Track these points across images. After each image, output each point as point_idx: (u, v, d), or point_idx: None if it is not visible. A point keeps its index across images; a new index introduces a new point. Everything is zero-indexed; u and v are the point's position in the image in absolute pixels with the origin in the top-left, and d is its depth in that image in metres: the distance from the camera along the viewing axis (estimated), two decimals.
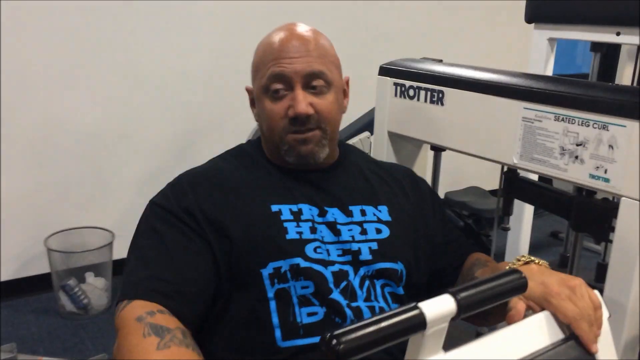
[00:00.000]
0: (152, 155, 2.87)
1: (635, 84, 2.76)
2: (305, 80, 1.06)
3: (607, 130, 1.00)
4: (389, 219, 1.11)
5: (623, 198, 1.00)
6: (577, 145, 1.05)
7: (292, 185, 1.10)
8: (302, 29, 1.11)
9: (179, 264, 0.98)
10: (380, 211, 1.12)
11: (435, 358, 0.74)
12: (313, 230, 1.05)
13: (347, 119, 2.55)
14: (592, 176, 1.04)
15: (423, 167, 1.52)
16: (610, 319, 0.89)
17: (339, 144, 1.20)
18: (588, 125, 1.03)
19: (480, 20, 3.56)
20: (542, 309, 0.88)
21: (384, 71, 1.43)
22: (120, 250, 2.67)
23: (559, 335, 0.87)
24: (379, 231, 1.08)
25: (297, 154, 1.08)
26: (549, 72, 1.84)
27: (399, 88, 1.38)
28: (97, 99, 2.71)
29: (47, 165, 2.68)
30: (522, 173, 1.34)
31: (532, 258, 0.95)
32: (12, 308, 2.67)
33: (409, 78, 1.36)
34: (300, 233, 1.03)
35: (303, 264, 0.99)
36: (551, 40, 1.74)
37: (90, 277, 2.72)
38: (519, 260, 0.95)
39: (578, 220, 1.13)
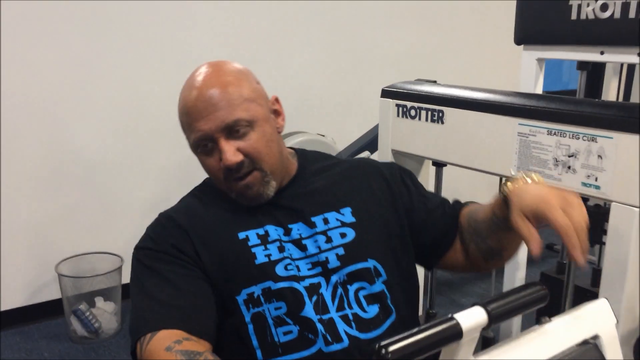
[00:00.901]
0: (158, 181, 2.95)
1: (620, 98, 2.88)
2: (224, 132, 1.06)
3: (596, 142, 1.10)
4: (353, 220, 1.12)
5: (613, 203, 1.09)
6: (569, 156, 1.14)
7: (256, 209, 1.12)
8: (206, 82, 1.09)
9: (186, 292, 1.03)
10: (343, 214, 1.13)
11: None
12: (281, 249, 1.09)
13: (347, 139, 2.66)
14: (584, 184, 1.13)
15: (426, 182, 1.61)
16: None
17: (297, 153, 1.23)
18: (578, 138, 1.12)
19: (471, 42, 3.69)
20: (539, 223, 0.91)
21: (386, 93, 1.53)
22: (129, 275, 2.74)
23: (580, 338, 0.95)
24: (343, 235, 1.10)
25: (246, 199, 1.10)
26: (539, 90, 1.94)
27: (400, 109, 1.48)
28: (105, 128, 2.80)
29: (57, 193, 2.76)
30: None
31: (531, 174, 0.98)
32: (24, 335, 2.72)
33: (411, 99, 1.46)
34: (268, 255, 1.08)
35: (274, 286, 1.05)
36: (540, 60, 1.85)
37: (100, 301, 2.77)
38: (517, 177, 0.99)
39: None
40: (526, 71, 1.88)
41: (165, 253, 1.07)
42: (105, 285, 2.77)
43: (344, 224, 1.11)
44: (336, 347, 1.02)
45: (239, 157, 1.06)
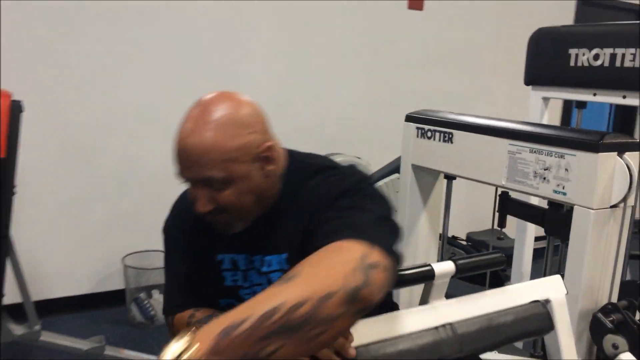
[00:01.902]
0: None
1: None
2: (200, 182, 1.13)
3: (564, 158, 1.42)
4: (285, 268, 1.22)
5: (575, 206, 1.41)
6: (544, 169, 1.47)
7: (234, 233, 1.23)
8: (191, 133, 1.10)
9: (191, 275, 1.29)
10: (282, 259, 1.23)
11: (439, 302, 1.16)
12: (245, 278, 1.27)
13: (380, 162, 3.01)
14: (555, 191, 1.45)
15: (440, 193, 1.94)
16: (568, 295, 1.28)
17: (285, 174, 1.23)
18: (551, 155, 1.45)
19: (489, 81, 4.10)
20: None
21: (409, 118, 1.88)
22: None
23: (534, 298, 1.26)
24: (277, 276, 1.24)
25: (218, 228, 1.21)
26: (545, 122, 2.27)
27: (419, 131, 1.83)
28: (165, 143, 3.22)
29: (125, 197, 3.18)
30: (512, 194, 1.76)
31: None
32: (90, 318, 3.12)
33: (428, 123, 1.80)
34: (235, 281, 1.27)
35: (236, 303, 1.20)
36: (545, 99, 2.18)
37: (156, 293, 3.16)
38: None
39: (549, 226, 1.53)
40: (534, 107, 2.20)
41: (179, 239, 1.32)
42: (162, 280, 3.14)
43: (281, 270, 1.23)
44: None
45: (208, 208, 1.14)
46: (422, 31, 3.90)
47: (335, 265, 0.87)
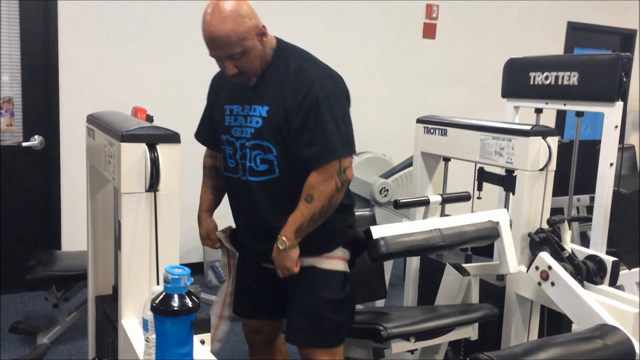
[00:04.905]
0: None
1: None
2: (226, 57, 1.78)
3: (511, 142, 2.34)
4: (265, 116, 1.85)
5: (517, 170, 2.32)
6: (501, 149, 2.38)
7: (238, 88, 1.91)
8: (214, 24, 1.73)
9: (212, 118, 2.06)
10: (262, 109, 1.86)
11: (433, 218, 2.09)
12: (235, 120, 1.92)
13: (401, 157, 3.93)
14: (507, 162, 2.36)
15: (440, 171, 2.85)
16: (515, 223, 2.19)
17: (276, 48, 1.88)
18: (504, 140, 2.36)
19: (483, 97, 5.08)
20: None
21: (419, 121, 2.81)
22: None
23: (487, 219, 2.17)
24: (257, 122, 1.86)
25: (241, 83, 1.89)
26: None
27: (425, 129, 2.76)
28: None
29: None
30: (486, 168, 2.66)
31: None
32: None
33: (431, 124, 2.73)
34: (230, 122, 1.94)
35: (229, 139, 1.95)
36: (515, 107, 3.10)
37: None
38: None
39: (505, 184, 2.44)
40: (508, 114, 3.13)
41: (211, 95, 2.09)
42: None
43: (260, 116, 1.87)
44: (245, 178, 1.94)
45: (234, 71, 1.81)
46: (435, 56, 4.87)
47: (328, 182, 1.81)
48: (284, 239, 1.85)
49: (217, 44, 1.75)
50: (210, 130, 2.10)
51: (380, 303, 3.19)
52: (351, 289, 1.99)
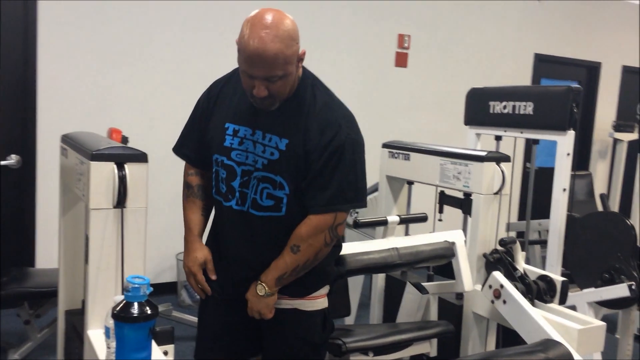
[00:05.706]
0: None
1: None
2: (264, 78, 1.58)
3: (467, 166, 2.47)
4: (283, 149, 1.67)
5: (473, 194, 2.45)
6: (458, 173, 2.51)
7: (246, 108, 1.70)
8: (264, 40, 1.53)
9: (199, 131, 1.82)
10: (281, 142, 1.68)
11: (392, 238, 2.20)
12: (240, 143, 1.71)
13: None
14: (464, 185, 2.49)
15: (405, 195, 2.97)
16: (471, 243, 2.31)
17: (304, 80, 1.72)
18: (461, 165, 2.49)
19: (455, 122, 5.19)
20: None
21: (384, 146, 2.94)
22: None
23: (443, 239, 2.29)
24: (272, 154, 1.68)
25: (257, 106, 1.67)
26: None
27: (390, 153, 2.88)
28: None
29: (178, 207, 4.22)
30: (448, 192, 2.79)
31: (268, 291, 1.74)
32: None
33: (395, 149, 2.86)
34: (232, 143, 1.72)
35: (226, 161, 1.73)
36: (477, 134, 3.25)
37: None
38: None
39: (464, 207, 2.57)
40: (470, 140, 3.28)
41: (204, 104, 1.81)
42: None
43: (277, 148, 1.68)
44: (239, 207, 1.75)
45: (264, 93, 1.61)
46: (406, 84, 5.04)
47: (318, 236, 1.70)
48: (264, 285, 1.74)
49: (262, 62, 1.56)
50: (196, 144, 1.85)
51: (349, 322, 3.27)
52: (330, 324, 1.93)
